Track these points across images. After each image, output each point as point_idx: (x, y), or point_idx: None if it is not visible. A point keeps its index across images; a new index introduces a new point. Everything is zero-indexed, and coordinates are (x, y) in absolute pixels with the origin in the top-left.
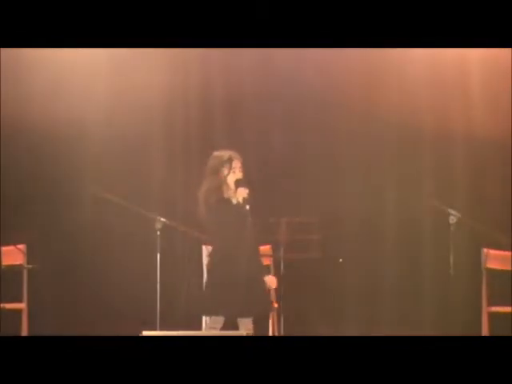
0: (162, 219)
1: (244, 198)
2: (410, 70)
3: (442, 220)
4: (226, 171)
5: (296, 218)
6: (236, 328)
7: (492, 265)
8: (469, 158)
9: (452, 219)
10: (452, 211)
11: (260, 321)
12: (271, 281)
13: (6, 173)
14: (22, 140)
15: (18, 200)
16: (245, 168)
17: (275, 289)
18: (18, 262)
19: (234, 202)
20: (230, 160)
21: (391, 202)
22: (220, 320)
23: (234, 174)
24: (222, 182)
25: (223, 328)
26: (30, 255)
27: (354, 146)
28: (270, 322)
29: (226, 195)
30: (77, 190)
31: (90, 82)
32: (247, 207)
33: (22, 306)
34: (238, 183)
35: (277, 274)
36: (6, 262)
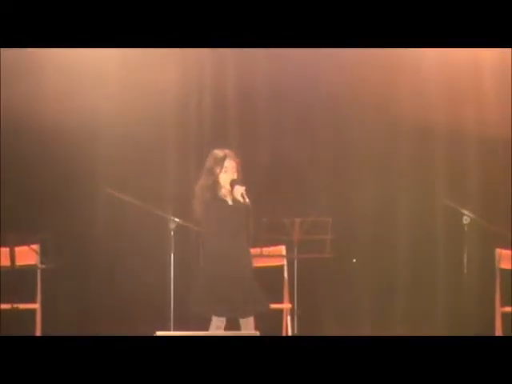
0: (176, 219)
1: (242, 195)
2: (423, 70)
3: (455, 220)
4: (217, 170)
5: (309, 218)
6: (238, 327)
7: (505, 265)
8: (482, 159)
9: (465, 219)
10: (465, 211)
11: (261, 318)
12: None
13: (19, 174)
14: (35, 141)
15: (31, 200)
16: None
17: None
18: (31, 262)
19: (230, 200)
20: (222, 159)
21: (405, 202)
22: (222, 320)
23: (225, 174)
24: (215, 181)
25: (227, 327)
26: (44, 255)
27: (367, 145)
28: (284, 321)
29: (219, 194)
30: (90, 190)
31: (101, 81)
32: (247, 206)
33: (36, 306)
34: (232, 183)
35: (290, 274)
36: (19, 262)
